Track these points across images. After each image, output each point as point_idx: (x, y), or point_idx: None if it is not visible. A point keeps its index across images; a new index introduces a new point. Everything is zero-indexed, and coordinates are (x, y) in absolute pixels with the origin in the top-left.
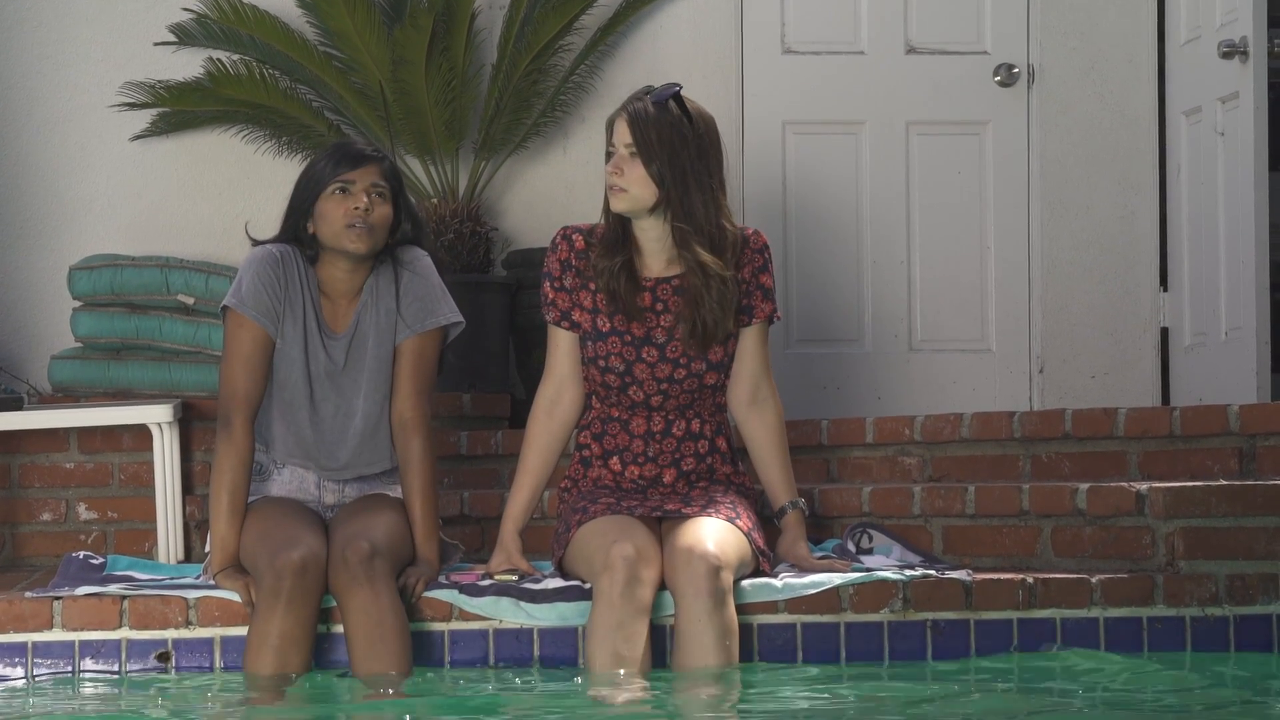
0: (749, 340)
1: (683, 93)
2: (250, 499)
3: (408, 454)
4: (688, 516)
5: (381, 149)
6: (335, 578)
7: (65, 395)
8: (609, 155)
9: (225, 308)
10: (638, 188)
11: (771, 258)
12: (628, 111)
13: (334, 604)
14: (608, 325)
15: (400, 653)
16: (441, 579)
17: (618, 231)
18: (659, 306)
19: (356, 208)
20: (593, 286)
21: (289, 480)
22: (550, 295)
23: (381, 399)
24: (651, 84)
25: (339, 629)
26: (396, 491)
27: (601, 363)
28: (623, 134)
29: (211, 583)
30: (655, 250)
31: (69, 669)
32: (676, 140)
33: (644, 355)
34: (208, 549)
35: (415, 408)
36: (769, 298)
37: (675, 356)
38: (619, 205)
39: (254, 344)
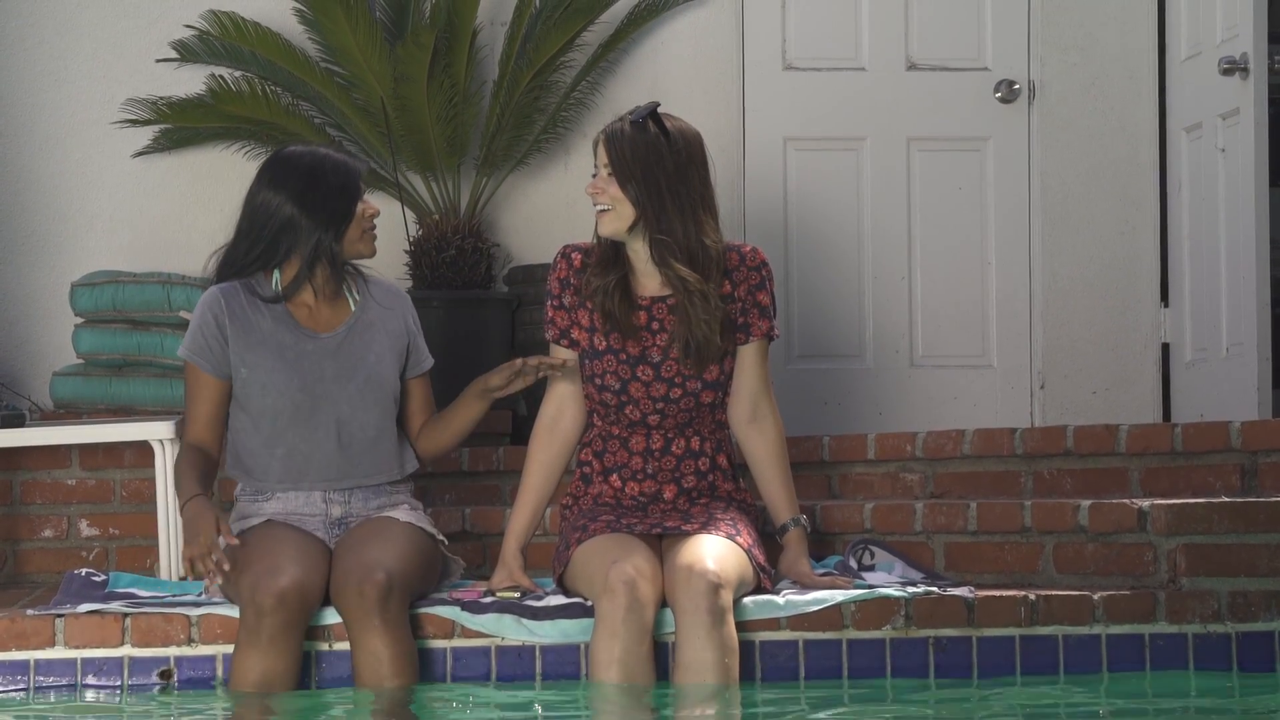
0: (746, 358)
1: (675, 109)
2: (250, 523)
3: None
4: (687, 534)
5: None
6: (347, 608)
7: (67, 411)
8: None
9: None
10: (617, 207)
11: (771, 275)
12: (605, 132)
13: (328, 622)
14: (604, 343)
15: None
16: (444, 595)
17: (610, 251)
18: (654, 326)
19: (372, 215)
20: (590, 305)
21: (293, 497)
22: (550, 314)
23: (381, 412)
24: (656, 101)
25: (341, 646)
26: (405, 513)
27: (598, 381)
28: (602, 154)
29: (215, 600)
30: (647, 270)
31: (71, 687)
32: (652, 158)
33: (639, 374)
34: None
35: None
36: (766, 315)
37: (670, 376)
38: (604, 229)
39: (197, 384)
